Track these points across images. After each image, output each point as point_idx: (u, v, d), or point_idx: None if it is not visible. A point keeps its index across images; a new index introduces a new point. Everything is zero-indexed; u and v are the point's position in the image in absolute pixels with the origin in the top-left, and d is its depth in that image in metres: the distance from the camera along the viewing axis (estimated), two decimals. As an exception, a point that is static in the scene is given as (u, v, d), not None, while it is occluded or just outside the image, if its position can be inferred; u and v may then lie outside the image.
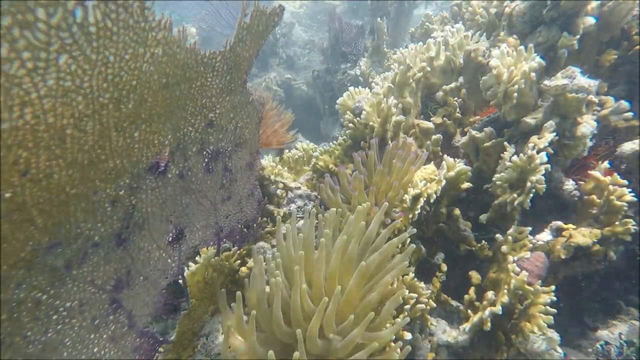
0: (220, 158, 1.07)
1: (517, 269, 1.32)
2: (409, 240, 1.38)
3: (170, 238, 0.95)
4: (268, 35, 1.06)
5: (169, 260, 0.95)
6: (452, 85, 1.85)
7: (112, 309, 0.82)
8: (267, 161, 1.91)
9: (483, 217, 1.56)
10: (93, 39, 0.66)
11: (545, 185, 1.35)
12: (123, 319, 0.85)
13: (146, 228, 0.88)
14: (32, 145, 0.64)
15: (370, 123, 1.76)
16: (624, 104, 1.51)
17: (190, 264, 1.17)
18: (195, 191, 1.01)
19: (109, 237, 0.80)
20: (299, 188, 1.64)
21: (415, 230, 1.21)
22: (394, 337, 1.12)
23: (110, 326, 0.82)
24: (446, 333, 1.38)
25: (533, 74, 1.45)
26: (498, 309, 1.27)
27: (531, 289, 1.27)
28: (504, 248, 1.38)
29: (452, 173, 1.46)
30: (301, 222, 1.46)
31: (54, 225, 0.69)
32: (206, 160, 1.03)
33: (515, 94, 1.46)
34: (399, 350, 1.00)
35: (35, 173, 0.65)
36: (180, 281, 1.05)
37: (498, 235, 1.44)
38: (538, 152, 1.38)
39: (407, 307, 1.22)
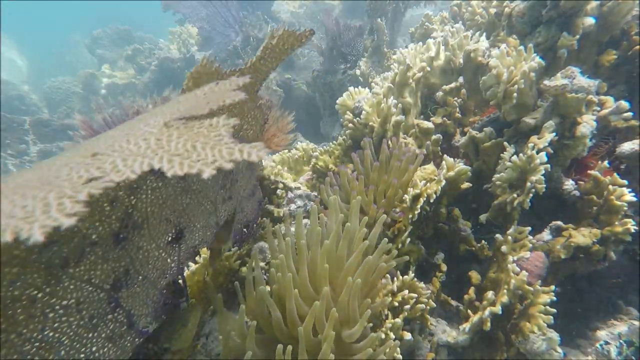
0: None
1: (517, 268, 1.32)
2: (408, 240, 1.38)
3: (170, 238, 0.95)
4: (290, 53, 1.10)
5: (169, 260, 0.95)
6: (452, 85, 1.85)
7: (111, 308, 0.82)
8: (266, 161, 1.92)
9: (483, 217, 1.56)
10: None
11: (545, 185, 1.35)
12: (122, 318, 0.85)
13: (145, 227, 0.88)
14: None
15: (370, 123, 1.77)
16: (624, 104, 1.51)
17: (190, 264, 1.17)
18: (196, 191, 1.01)
19: (107, 236, 0.80)
20: (298, 188, 1.64)
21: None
22: (394, 337, 1.13)
23: (109, 325, 0.82)
24: (446, 333, 1.38)
25: (533, 74, 1.45)
26: (498, 308, 1.27)
27: (531, 288, 1.27)
28: (504, 248, 1.38)
29: (452, 173, 1.46)
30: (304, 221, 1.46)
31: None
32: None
33: (515, 94, 1.46)
34: (398, 349, 1.01)
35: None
36: (180, 281, 1.05)
37: (498, 235, 1.44)
38: (538, 152, 1.38)
39: (407, 307, 1.22)
